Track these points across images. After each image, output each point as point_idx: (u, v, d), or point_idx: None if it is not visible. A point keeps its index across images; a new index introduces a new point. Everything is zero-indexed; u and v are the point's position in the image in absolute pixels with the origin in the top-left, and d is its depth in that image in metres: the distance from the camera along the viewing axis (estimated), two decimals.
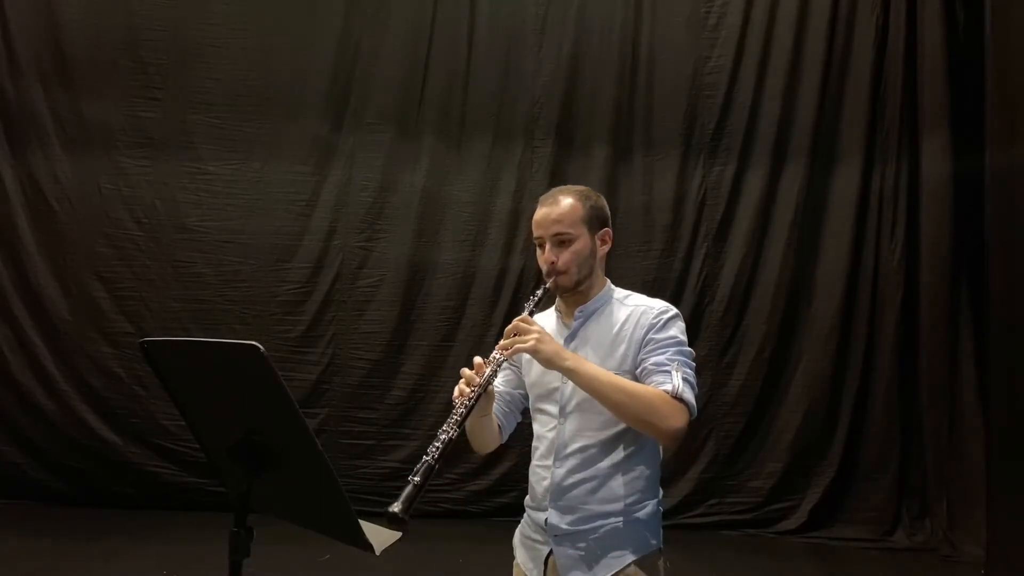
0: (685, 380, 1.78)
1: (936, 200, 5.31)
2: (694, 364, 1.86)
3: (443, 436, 1.69)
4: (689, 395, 1.77)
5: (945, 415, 5.21)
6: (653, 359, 1.81)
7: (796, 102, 5.48)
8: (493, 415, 2.03)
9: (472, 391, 1.76)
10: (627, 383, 1.78)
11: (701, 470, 5.37)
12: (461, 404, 1.75)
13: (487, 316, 5.46)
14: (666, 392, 1.75)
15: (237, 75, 5.54)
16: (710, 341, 5.46)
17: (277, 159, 5.55)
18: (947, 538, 5.01)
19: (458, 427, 1.71)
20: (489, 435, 2.01)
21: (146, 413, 5.33)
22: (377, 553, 1.49)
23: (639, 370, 1.83)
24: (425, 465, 1.65)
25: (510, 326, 1.83)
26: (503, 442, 2.08)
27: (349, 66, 5.60)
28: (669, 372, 1.78)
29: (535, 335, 1.78)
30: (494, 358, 1.81)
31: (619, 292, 1.99)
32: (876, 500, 5.25)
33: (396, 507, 1.58)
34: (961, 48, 5.24)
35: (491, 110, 5.60)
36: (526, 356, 2.02)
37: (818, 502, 5.26)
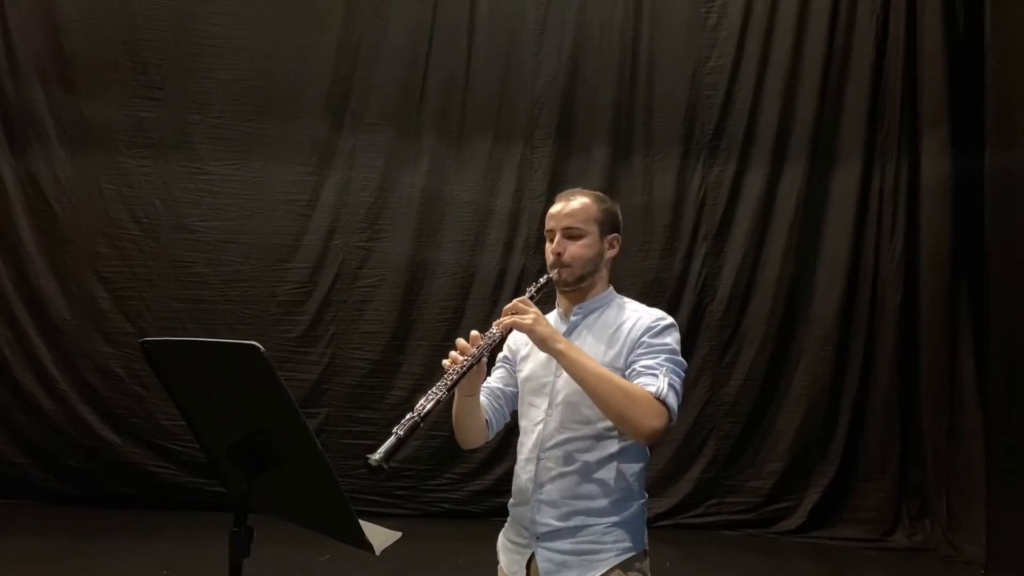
0: (671, 386, 1.79)
1: (936, 200, 5.31)
2: (683, 374, 1.86)
3: (432, 396, 1.71)
4: (672, 400, 1.78)
5: (945, 415, 5.21)
6: (643, 362, 1.83)
7: (796, 102, 5.49)
8: (481, 408, 2.02)
9: (465, 359, 1.78)
10: (613, 376, 1.79)
11: (701, 470, 5.38)
12: (453, 370, 1.76)
13: (487, 316, 5.46)
14: (650, 392, 1.76)
15: (237, 75, 5.54)
16: (710, 341, 5.46)
17: (277, 159, 5.55)
18: (947, 538, 5.01)
19: (448, 390, 1.73)
20: (475, 426, 2.00)
21: (146, 413, 5.33)
22: (377, 553, 1.50)
23: (629, 371, 1.85)
24: (411, 421, 1.65)
25: (509, 305, 1.86)
26: (489, 439, 2.06)
27: (349, 66, 5.60)
28: (656, 375, 1.80)
29: (533, 314, 1.81)
30: (490, 333, 1.83)
31: (620, 298, 2.02)
32: (876, 500, 5.26)
33: (378, 455, 1.57)
34: (961, 48, 5.24)
35: (491, 110, 5.60)
36: (522, 352, 2.05)
37: (818, 502, 5.27)
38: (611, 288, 2.03)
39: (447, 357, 1.82)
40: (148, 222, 5.48)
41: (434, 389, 1.73)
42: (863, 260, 5.43)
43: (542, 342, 1.81)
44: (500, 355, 2.14)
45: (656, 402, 1.75)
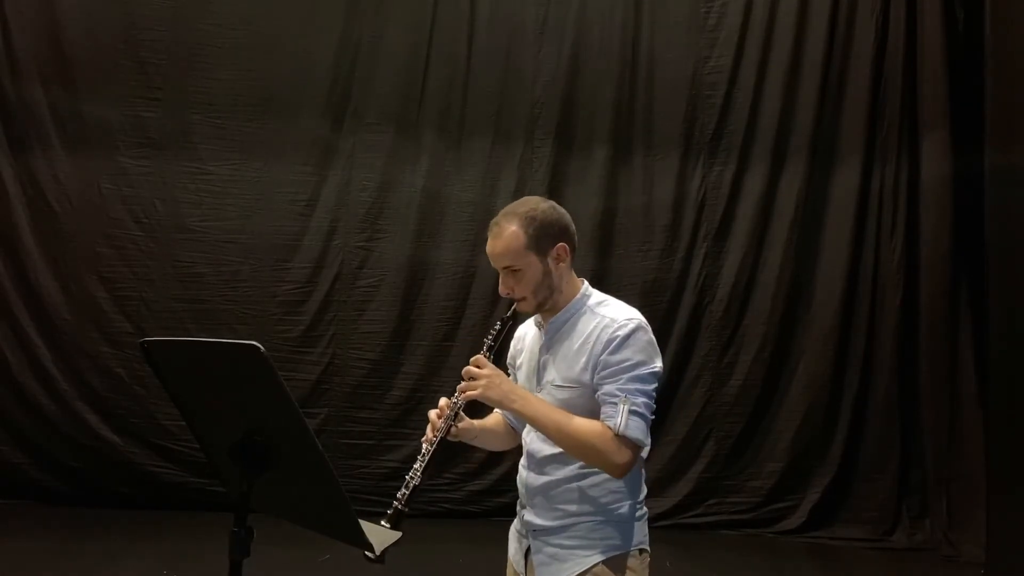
0: (632, 413, 1.76)
1: (936, 200, 5.32)
2: (650, 387, 1.82)
3: (410, 481, 1.80)
4: (634, 430, 1.76)
5: (945, 415, 5.22)
6: (605, 388, 1.81)
7: (796, 102, 5.49)
8: (501, 418, 2.13)
9: (434, 436, 1.86)
10: (570, 425, 1.79)
11: (701, 470, 5.38)
12: (426, 451, 1.85)
13: (487, 316, 5.45)
14: (610, 428, 1.76)
15: (237, 75, 5.53)
16: (710, 341, 5.46)
17: (277, 159, 5.55)
18: (947, 538, 5.02)
19: (423, 471, 1.82)
20: (498, 440, 2.14)
21: (146, 413, 5.32)
22: (377, 553, 1.50)
23: (596, 394, 1.84)
24: (395, 510, 1.75)
25: (465, 368, 1.87)
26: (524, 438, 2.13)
27: (349, 66, 5.59)
28: (616, 404, 1.78)
29: (484, 380, 1.82)
30: (454, 401, 1.88)
31: (594, 298, 1.97)
32: (876, 500, 5.26)
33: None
34: (961, 48, 5.25)
35: (491, 110, 5.60)
36: (517, 361, 2.11)
37: (818, 502, 5.27)
38: (584, 287, 1.98)
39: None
40: (148, 222, 5.47)
41: (410, 473, 1.82)
42: (863, 260, 5.43)
43: (499, 404, 1.86)
44: (507, 361, 2.17)
45: (617, 439, 1.76)
